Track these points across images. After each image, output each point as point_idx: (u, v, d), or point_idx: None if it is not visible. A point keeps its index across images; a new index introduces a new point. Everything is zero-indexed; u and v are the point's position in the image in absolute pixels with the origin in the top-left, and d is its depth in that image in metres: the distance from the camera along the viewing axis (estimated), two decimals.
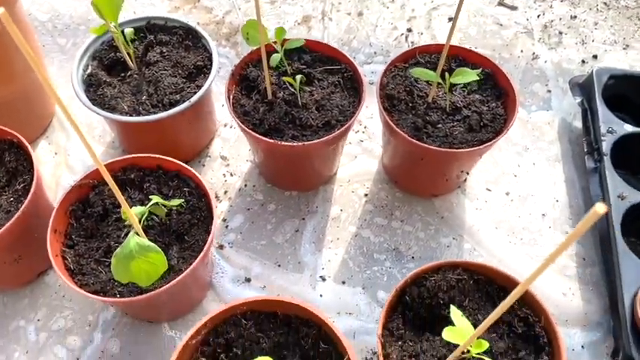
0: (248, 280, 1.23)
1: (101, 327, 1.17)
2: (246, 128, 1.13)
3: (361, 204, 1.35)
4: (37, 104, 1.40)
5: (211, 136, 1.43)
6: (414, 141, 1.11)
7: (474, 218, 1.32)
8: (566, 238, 0.52)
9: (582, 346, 1.16)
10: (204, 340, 0.94)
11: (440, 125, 1.17)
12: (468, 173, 1.30)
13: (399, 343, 0.94)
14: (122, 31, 1.23)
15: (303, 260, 1.27)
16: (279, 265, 1.26)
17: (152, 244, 0.91)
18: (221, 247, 1.28)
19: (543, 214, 1.33)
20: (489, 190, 1.37)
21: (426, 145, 1.11)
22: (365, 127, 1.47)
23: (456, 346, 0.84)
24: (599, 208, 0.45)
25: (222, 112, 1.49)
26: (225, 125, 1.47)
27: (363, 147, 1.44)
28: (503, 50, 1.62)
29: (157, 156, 1.10)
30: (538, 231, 1.31)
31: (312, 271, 1.25)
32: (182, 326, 1.17)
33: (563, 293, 1.23)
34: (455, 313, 0.89)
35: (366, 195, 1.36)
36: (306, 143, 1.11)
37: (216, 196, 1.35)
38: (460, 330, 0.86)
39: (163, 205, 1.03)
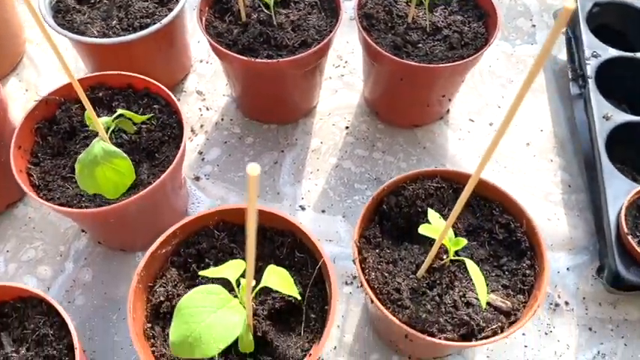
0: None
1: (73, 257, 1.14)
2: (218, 46, 1.09)
3: (342, 136, 1.31)
4: (5, 41, 1.35)
5: (186, 72, 1.39)
6: (393, 57, 1.07)
7: (456, 148, 1.29)
8: (536, 61, 0.49)
9: (567, 269, 1.14)
10: (174, 250, 0.90)
11: (420, 45, 1.14)
12: (450, 100, 1.27)
13: (377, 250, 0.90)
14: None
15: (282, 191, 1.23)
16: (257, 196, 1.22)
17: (118, 150, 0.88)
18: (197, 178, 1.24)
19: (528, 144, 1.31)
20: (472, 120, 1.34)
21: (405, 62, 1.07)
22: (346, 62, 1.43)
23: None
24: (569, 3, 0.42)
25: (197, 48, 1.45)
26: (200, 61, 1.43)
27: (344, 81, 1.40)
28: None
29: (127, 73, 1.06)
30: (522, 159, 1.28)
31: (292, 201, 1.22)
32: None
33: (548, 219, 1.20)
34: (432, 213, 0.86)
35: (346, 127, 1.33)
36: (280, 60, 1.07)
37: (192, 130, 1.31)
38: (436, 227, 0.83)
39: (132, 121, 0.99)
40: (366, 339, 1.05)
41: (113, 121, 0.94)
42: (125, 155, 0.88)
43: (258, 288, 0.76)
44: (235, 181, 1.24)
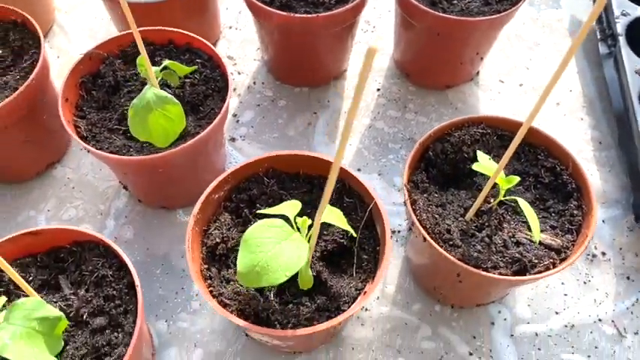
0: None
1: (113, 215, 1.14)
2: (257, 2, 1.10)
3: (374, 98, 1.32)
4: (36, 9, 1.36)
5: (216, 38, 1.40)
6: (432, 11, 1.08)
7: (488, 108, 1.31)
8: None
9: (603, 221, 1.15)
10: (226, 196, 0.91)
11: (455, 1, 1.15)
12: (482, 59, 1.28)
13: (425, 195, 0.92)
14: None
15: (317, 150, 1.24)
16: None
17: (170, 96, 0.89)
18: (233, 139, 1.25)
19: (557, 103, 1.32)
20: (502, 81, 1.35)
21: (444, 15, 1.08)
22: (374, 27, 1.44)
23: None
24: None
25: (225, 15, 1.45)
26: (229, 27, 1.44)
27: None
28: None
29: (168, 29, 1.06)
30: (553, 119, 1.29)
31: None
32: None
33: None
34: (481, 155, 0.87)
35: (378, 89, 1.34)
36: (320, 15, 1.08)
37: None
38: (488, 165, 0.84)
39: (177, 74, 1.00)
40: (407, 289, 1.06)
41: (160, 71, 0.95)
42: (177, 101, 0.89)
43: (316, 224, 0.77)
44: (270, 142, 1.25)
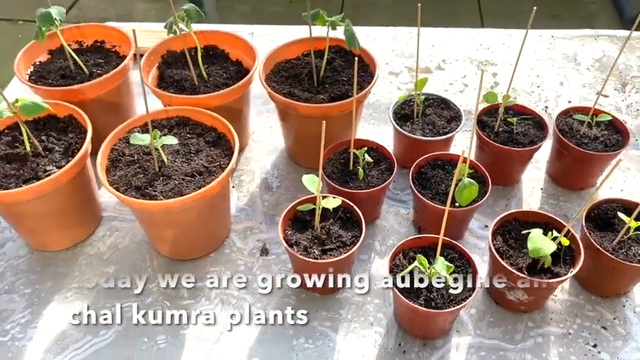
0: None
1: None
2: (485, 137, 2.24)
3: (539, 193, 2.41)
4: None
5: None
6: (582, 150, 2.19)
7: None
8: None
9: None
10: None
11: (589, 143, 2.26)
12: (601, 173, 2.36)
13: (591, 232, 1.95)
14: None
15: None
16: None
17: (473, 181, 1.99)
18: None
19: None
20: (611, 188, 2.41)
21: (591, 152, 2.18)
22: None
23: None
24: None
25: None
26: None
27: (533, 166, 2.52)
28: None
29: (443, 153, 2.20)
30: None
31: None
32: None
33: None
34: (620, 214, 1.92)
35: (541, 189, 2.42)
36: (526, 149, 2.21)
37: None
38: (627, 218, 1.89)
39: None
40: (574, 284, 2.05)
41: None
42: (475, 184, 1.98)
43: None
44: (487, 213, 2.32)
